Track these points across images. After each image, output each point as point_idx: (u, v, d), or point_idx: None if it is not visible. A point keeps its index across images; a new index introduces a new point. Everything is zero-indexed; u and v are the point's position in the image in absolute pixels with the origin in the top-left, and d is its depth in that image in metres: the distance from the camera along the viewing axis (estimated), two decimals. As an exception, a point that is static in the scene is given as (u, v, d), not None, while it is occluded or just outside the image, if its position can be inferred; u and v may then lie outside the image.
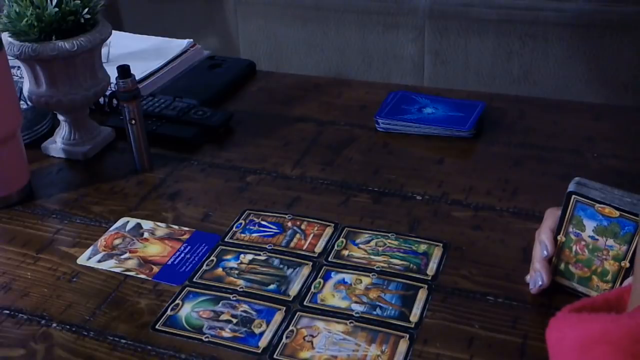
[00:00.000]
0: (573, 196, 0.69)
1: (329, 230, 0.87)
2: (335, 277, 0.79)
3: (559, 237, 0.73)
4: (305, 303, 0.76)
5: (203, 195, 0.96)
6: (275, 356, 0.70)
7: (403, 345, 0.70)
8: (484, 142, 1.04)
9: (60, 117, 1.05)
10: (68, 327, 0.75)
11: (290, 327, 0.73)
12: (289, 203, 0.93)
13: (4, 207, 0.95)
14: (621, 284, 0.70)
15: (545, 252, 0.73)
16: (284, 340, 0.71)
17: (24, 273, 0.83)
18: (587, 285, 0.73)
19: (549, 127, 1.07)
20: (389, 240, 0.85)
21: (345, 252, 0.83)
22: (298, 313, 0.75)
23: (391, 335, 0.71)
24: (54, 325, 0.75)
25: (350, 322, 0.73)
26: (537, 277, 0.73)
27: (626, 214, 0.67)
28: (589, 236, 0.70)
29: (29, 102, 1.05)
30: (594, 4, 1.48)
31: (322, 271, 0.80)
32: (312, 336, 0.71)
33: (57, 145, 1.06)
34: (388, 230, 0.86)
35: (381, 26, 1.67)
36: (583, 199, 0.69)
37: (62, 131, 1.06)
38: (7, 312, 0.78)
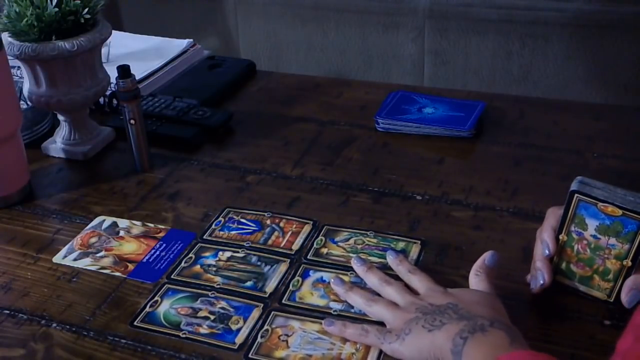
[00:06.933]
0: (576, 195, 0.69)
1: (307, 228, 0.87)
2: (314, 275, 0.80)
3: (560, 236, 0.72)
4: (283, 301, 0.76)
5: (203, 195, 0.96)
6: (250, 355, 0.70)
7: None
8: (484, 142, 1.04)
9: (60, 117, 1.05)
10: (68, 327, 0.75)
11: (265, 327, 0.73)
12: (288, 203, 0.93)
13: (4, 207, 0.95)
14: (622, 282, 0.70)
15: (546, 251, 0.73)
16: (258, 339, 0.71)
17: (24, 273, 0.83)
18: (588, 284, 0.73)
19: (549, 127, 1.07)
20: (368, 238, 0.85)
21: (325, 250, 0.83)
22: (273, 313, 0.75)
23: None
24: (54, 325, 0.75)
25: None
26: (538, 276, 0.73)
27: (629, 213, 0.67)
28: (591, 235, 0.70)
29: (29, 102, 1.05)
30: (594, 4, 1.48)
31: (300, 269, 0.80)
32: (287, 335, 0.72)
33: (57, 145, 1.06)
34: (367, 229, 0.86)
35: (381, 26, 1.67)
36: (586, 198, 0.69)
37: (62, 131, 1.06)
38: (7, 312, 0.78)
